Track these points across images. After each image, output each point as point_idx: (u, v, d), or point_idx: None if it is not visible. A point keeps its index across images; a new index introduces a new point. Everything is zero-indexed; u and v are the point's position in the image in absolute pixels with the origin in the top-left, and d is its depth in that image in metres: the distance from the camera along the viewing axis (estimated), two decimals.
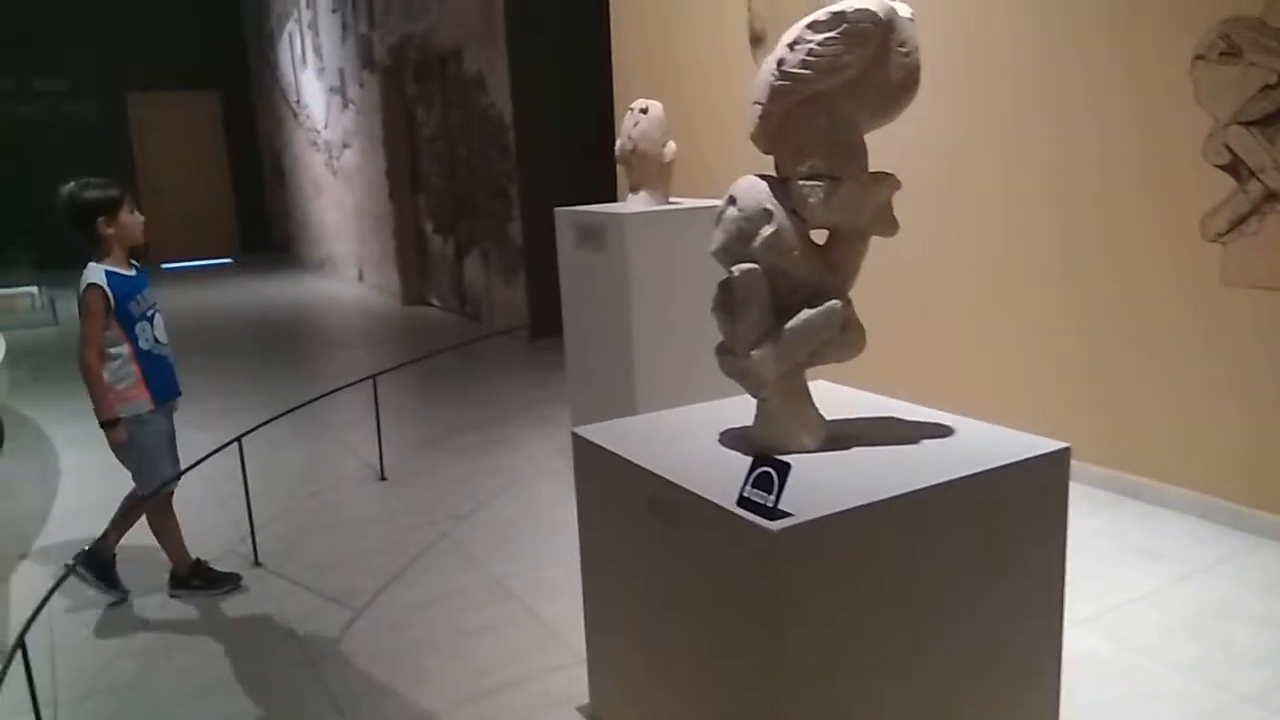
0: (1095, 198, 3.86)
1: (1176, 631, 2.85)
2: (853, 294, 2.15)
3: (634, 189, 3.92)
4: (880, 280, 4.59)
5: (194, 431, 5.36)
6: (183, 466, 3.39)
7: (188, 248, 14.50)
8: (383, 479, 4.58)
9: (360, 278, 11.62)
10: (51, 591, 2.52)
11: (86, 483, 4.71)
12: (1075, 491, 3.96)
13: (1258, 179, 3.36)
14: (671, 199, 3.93)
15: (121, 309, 3.20)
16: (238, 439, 3.66)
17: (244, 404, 5.99)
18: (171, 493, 3.39)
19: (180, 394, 3.43)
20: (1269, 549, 3.36)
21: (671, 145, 3.86)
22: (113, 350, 3.19)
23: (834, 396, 2.49)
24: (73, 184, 3.28)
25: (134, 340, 3.22)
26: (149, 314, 3.30)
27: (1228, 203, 3.45)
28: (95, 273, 3.21)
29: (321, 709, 2.67)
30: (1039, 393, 4.15)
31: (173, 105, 14.38)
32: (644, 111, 3.82)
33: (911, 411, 2.39)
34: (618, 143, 3.92)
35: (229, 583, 3.44)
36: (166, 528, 3.40)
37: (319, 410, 5.42)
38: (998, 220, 4.25)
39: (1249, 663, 2.68)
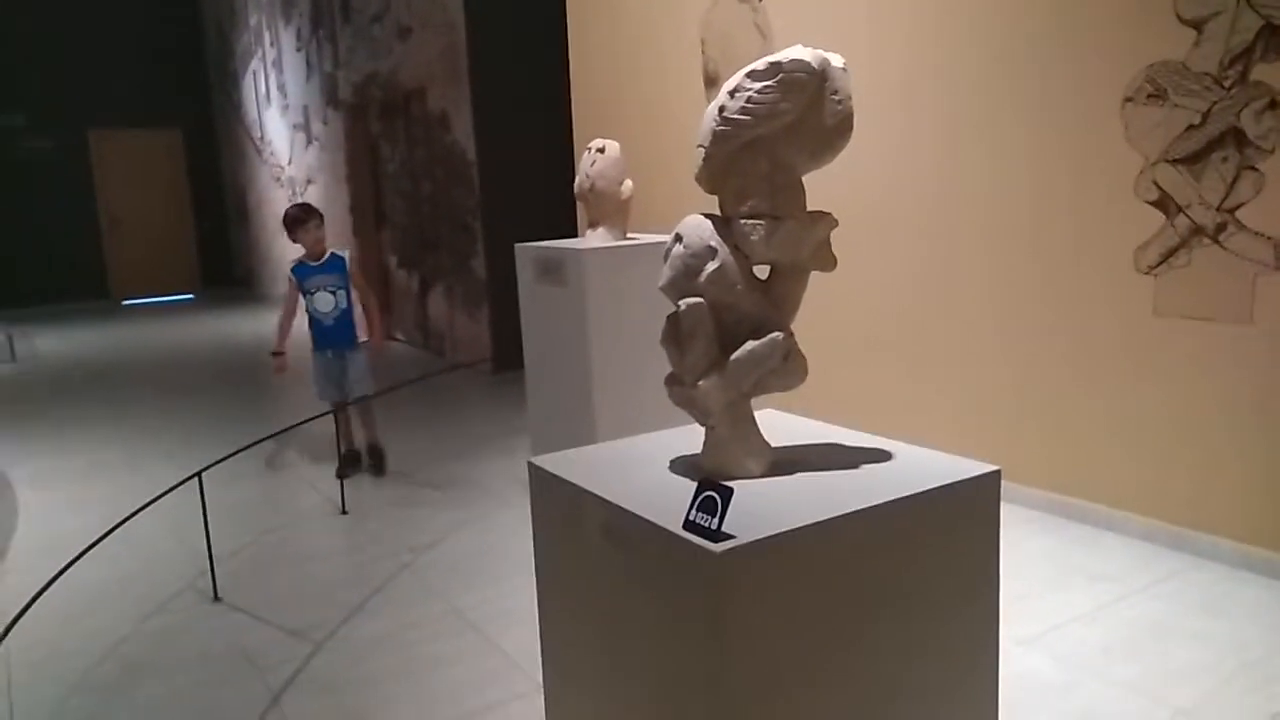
0: (1033, 233, 4.02)
1: (1115, 649, 2.96)
2: (802, 328, 2.25)
3: (592, 225, 4.02)
4: (830, 314, 4.73)
5: (156, 465, 5.38)
6: (144, 502, 3.43)
7: (149, 283, 14.43)
8: (344, 513, 4.60)
9: None
10: (9, 627, 2.53)
11: (46, 521, 4.69)
12: (1023, 515, 4.11)
13: (1185, 214, 3.53)
14: (629, 235, 4.04)
15: (301, 287, 5.06)
16: (198, 474, 3.68)
17: (205, 439, 5.97)
18: (337, 404, 5.16)
19: (350, 345, 5.11)
20: (1206, 568, 3.49)
21: (628, 183, 3.97)
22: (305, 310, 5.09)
23: (781, 424, 2.57)
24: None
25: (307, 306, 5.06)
26: (314, 293, 5.04)
27: (1158, 237, 3.62)
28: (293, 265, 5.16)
29: None
30: (986, 422, 4.28)
31: (136, 141, 14.35)
32: (601, 151, 3.93)
33: (854, 438, 2.48)
34: (576, 180, 4.02)
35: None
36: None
37: (281, 445, 5.43)
38: (946, 257, 4.40)
39: (1183, 678, 2.79)
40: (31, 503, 4.99)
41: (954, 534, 2.16)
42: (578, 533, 2.26)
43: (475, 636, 3.25)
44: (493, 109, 7.57)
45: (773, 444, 2.32)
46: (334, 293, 5.05)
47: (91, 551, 3.42)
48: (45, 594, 3.29)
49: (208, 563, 3.70)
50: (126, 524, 3.53)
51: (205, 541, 3.68)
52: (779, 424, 2.58)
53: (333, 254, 5.10)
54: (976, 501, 2.19)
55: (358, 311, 5.15)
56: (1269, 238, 3.31)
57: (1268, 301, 3.35)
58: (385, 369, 8.56)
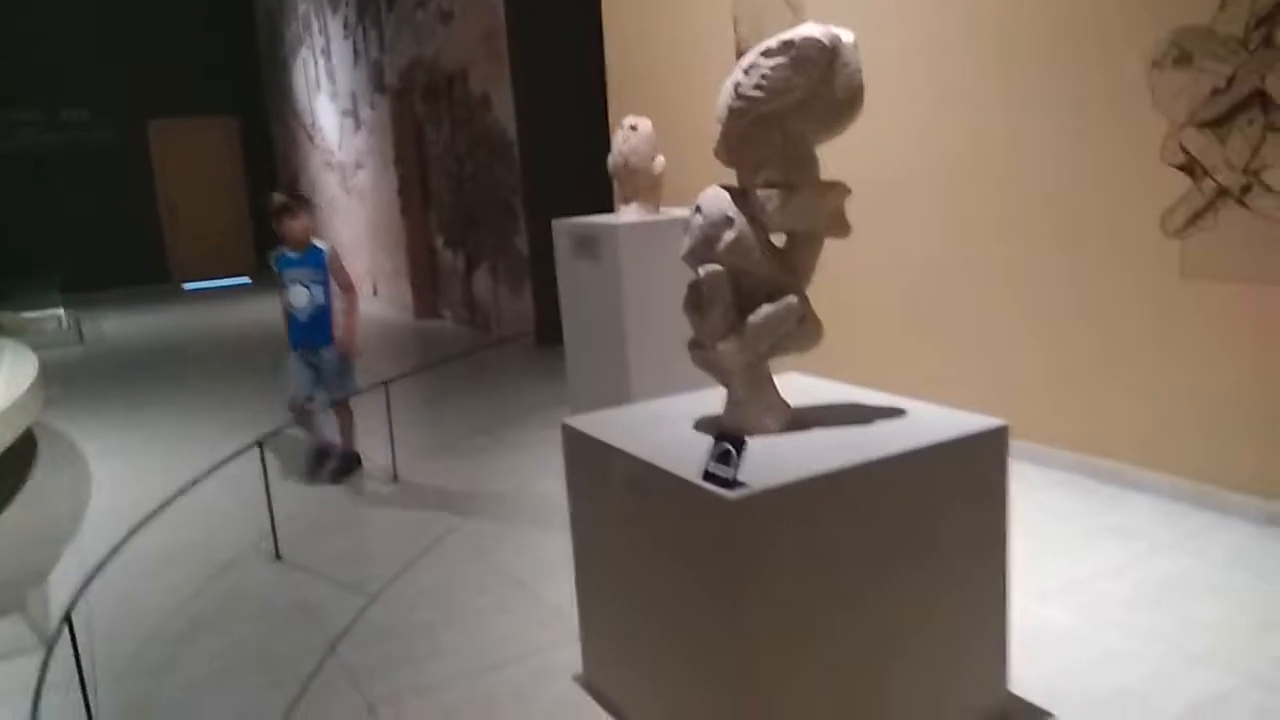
0: (1059, 196, 4.06)
1: (1136, 602, 3.04)
2: (831, 296, 2.36)
3: (626, 201, 4.16)
4: (856, 281, 4.81)
5: (219, 438, 5.66)
6: (206, 467, 3.67)
7: (208, 267, 14.88)
8: (395, 480, 4.83)
9: (374, 292, 11.91)
10: (90, 579, 2.77)
11: (116, 490, 4.98)
12: (1053, 478, 4.18)
13: (1211, 178, 3.56)
14: (661, 209, 4.17)
15: (280, 279, 4.82)
16: (258, 442, 3.91)
17: (264, 411, 6.24)
18: (304, 404, 4.92)
19: (325, 342, 4.83)
20: (1231, 525, 3.55)
21: (660, 159, 4.09)
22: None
23: (802, 385, 2.70)
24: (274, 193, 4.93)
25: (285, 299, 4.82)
26: (290, 285, 4.78)
27: (1185, 200, 3.66)
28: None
29: (340, 684, 2.90)
30: (1013, 384, 4.35)
31: (193, 131, 14.79)
32: (634, 128, 4.06)
33: (872, 397, 2.60)
34: (610, 157, 4.16)
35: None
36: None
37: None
38: (971, 221, 4.45)
39: (1202, 628, 2.86)
40: (103, 473, 5.30)
41: (963, 486, 2.28)
42: (606, 487, 2.42)
43: (520, 590, 3.44)
44: (532, 89, 7.72)
45: (793, 404, 2.45)
46: (309, 287, 4.75)
47: (161, 516, 3.66)
48: (121, 554, 3.53)
49: (269, 525, 3.94)
50: (193, 491, 3.77)
51: (267, 506, 3.91)
52: (800, 385, 2.71)
53: (313, 245, 4.81)
54: (985, 454, 2.30)
55: (337, 309, 4.86)
56: None
57: None
58: (429, 346, 8.85)
